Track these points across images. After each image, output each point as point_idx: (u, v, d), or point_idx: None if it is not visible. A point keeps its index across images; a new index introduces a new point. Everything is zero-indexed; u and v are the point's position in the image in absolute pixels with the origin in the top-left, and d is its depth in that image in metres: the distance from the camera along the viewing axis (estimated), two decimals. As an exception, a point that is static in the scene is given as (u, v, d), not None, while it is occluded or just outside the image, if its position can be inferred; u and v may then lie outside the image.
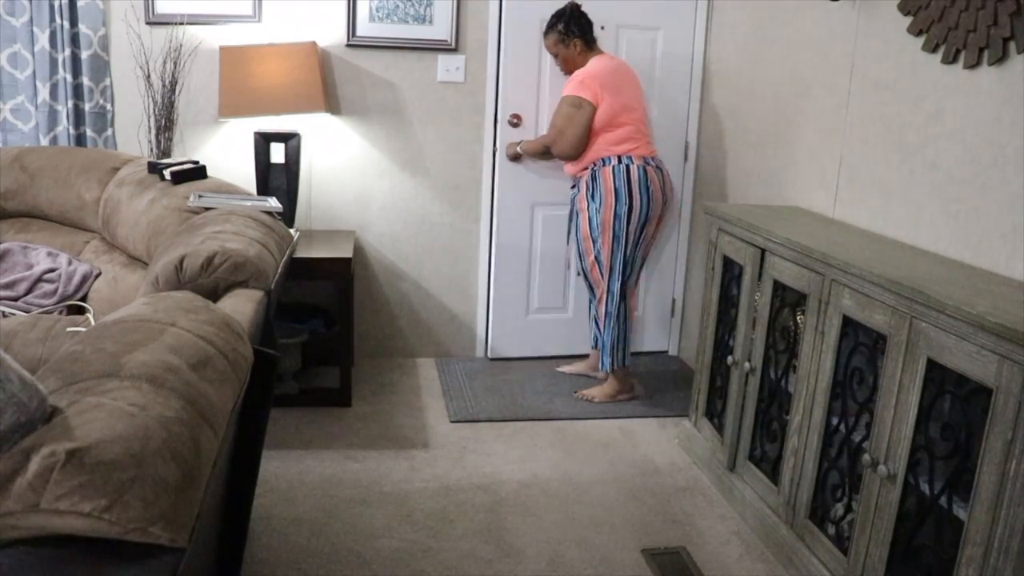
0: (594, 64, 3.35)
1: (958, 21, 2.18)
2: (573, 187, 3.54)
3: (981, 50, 2.12)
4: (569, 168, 3.49)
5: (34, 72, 3.33)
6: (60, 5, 3.29)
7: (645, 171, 3.30)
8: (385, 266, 3.86)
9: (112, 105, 3.48)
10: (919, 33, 2.35)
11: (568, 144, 3.35)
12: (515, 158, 3.72)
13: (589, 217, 3.37)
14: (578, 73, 3.34)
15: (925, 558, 1.89)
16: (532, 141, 3.60)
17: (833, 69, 2.80)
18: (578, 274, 3.59)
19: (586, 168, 3.39)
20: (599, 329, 3.45)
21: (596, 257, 3.38)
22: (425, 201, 3.82)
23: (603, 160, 3.33)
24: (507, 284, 3.90)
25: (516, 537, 2.50)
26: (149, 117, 3.39)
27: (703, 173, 3.91)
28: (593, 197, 3.34)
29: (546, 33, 3.44)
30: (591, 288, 3.48)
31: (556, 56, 3.45)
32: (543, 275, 3.92)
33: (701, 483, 2.89)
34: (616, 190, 3.29)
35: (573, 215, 3.50)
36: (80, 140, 3.44)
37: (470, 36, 3.68)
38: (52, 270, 2.72)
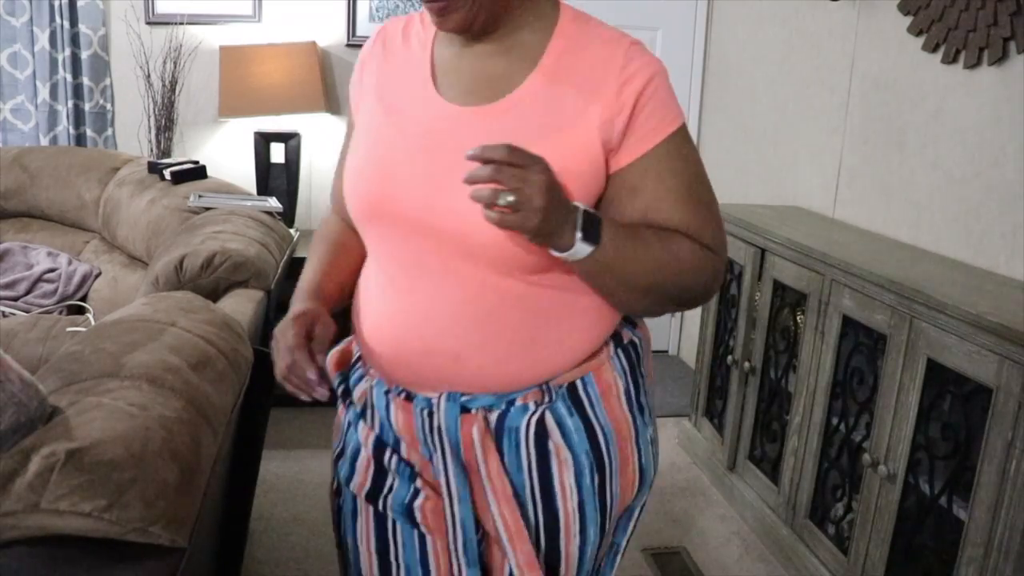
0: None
1: (958, 21, 2.18)
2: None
3: (981, 50, 2.12)
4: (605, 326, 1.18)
5: (34, 72, 3.33)
6: (60, 5, 3.29)
7: None
8: (385, 266, 3.85)
9: (112, 105, 3.48)
10: (919, 33, 2.35)
11: (724, 235, 1.17)
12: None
13: (639, 444, 1.19)
14: (653, 59, 1.09)
15: (925, 558, 1.89)
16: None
17: (833, 69, 2.80)
18: None
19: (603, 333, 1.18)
20: None
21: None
22: (425, 201, 3.82)
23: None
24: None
25: (516, 537, 2.50)
26: (149, 117, 3.39)
27: (703, 173, 3.90)
28: (639, 394, 1.21)
29: None
30: None
31: None
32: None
33: (701, 483, 2.88)
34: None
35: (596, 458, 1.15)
36: (80, 140, 3.44)
37: (470, 36, 3.68)
38: (52, 270, 2.72)
